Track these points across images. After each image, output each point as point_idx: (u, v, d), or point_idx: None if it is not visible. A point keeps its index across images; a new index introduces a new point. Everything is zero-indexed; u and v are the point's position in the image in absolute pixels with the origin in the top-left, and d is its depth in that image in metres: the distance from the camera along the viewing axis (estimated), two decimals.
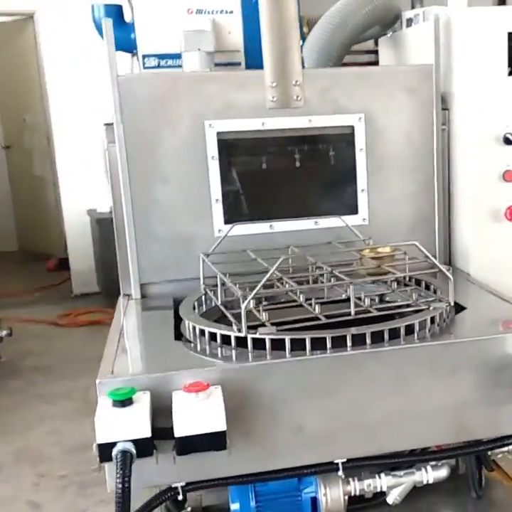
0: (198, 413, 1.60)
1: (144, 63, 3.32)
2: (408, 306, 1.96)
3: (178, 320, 2.11)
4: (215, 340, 1.89)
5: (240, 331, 1.81)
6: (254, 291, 1.81)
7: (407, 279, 2.16)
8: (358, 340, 1.79)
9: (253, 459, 1.73)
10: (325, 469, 1.82)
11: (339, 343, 1.79)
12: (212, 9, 3.28)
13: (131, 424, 1.58)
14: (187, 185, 2.36)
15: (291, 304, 2.03)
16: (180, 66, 3.33)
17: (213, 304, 2.19)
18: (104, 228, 6.37)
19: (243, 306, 1.80)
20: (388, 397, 1.77)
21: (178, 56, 3.33)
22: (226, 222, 2.37)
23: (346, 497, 2.73)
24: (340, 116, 2.37)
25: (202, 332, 1.92)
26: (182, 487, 1.79)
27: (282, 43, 2.23)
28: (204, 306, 2.17)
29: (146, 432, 1.58)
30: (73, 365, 5.44)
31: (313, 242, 2.37)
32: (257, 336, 1.79)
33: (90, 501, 3.65)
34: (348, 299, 2.03)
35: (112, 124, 2.28)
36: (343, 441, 1.78)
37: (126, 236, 2.31)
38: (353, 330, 1.78)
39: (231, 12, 3.29)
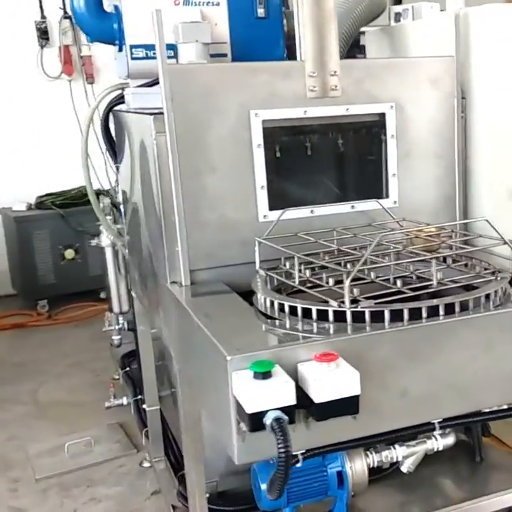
0: (334, 380, 1.76)
1: (131, 54, 3.39)
2: (475, 278, 2.21)
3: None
4: (307, 317, 2.06)
5: (340, 305, 1.99)
6: (356, 268, 2.01)
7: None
8: (448, 310, 2.02)
9: (364, 424, 1.91)
10: (424, 430, 2.03)
11: (430, 312, 2.01)
12: (198, 1, 3.40)
13: (278, 393, 1.72)
14: (233, 173, 2.49)
15: (362, 281, 2.22)
16: (169, 57, 3.43)
17: (270, 286, 2.35)
18: (21, 227, 6.29)
19: (347, 282, 1.98)
20: (477, 359, 2.01)
21: (167, 47, 3.43)
22: (270, 208, 2.53)
23: (367, 469, 2.98)
24: (373, 105, 2.59)
25: (292, 310, 2.08)
26: (302, 454, 1.95)
27: (321, 35, 2.42)
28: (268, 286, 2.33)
29: (291, 400, 1.73)
30: (9, 370, 5.40)
31: (350, 224, 2.58)
32: (359, 309, 1.98)
33: (78, 502, 3.69)
34: (408, 276, 2.26)
35: (160, 114, 2.38)
36: (440, 402, 2.00)
37: (176, 224, 2.41)
38: (446, 300, 2.01)
39: (218, 4, 3.43)
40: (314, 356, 1.81)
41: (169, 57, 3.32)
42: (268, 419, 1.71)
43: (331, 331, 1.99)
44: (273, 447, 1.77)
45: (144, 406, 3.58)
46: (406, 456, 3.08)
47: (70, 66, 6.66)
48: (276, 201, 2.54)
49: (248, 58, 3.34)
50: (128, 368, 4.63)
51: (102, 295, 6.57)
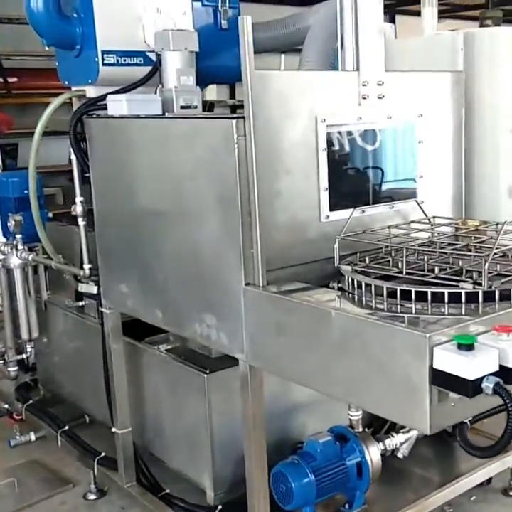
0: None
1: (103, 60, 3.51)
2: None
3: None
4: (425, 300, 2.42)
5: (475, 287, 2.39)
6: (493, 252, 2.43)
7: None
8: None
9: None
10: None
11: None
12: (167, 9, 3.62)
13: (488, 361, 2.09)
14: (300, 176, 2.79)
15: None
16: (138, 64, 3.61)
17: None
18: None
19: (485, 266, 2.39)
20: None
21: (137, 54, 3.62)
22: (331, 209, 2.86)
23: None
24: (405, 113, 3.03)
25: (420, 295, 2.44)
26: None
27: (372, 47, 2.84)
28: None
29: (495, 367, 2.11)
30: None
31: (390, 223, 2.99)
32: (493, 288, 2.40)
33: None
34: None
35: (242, 117, 2.61)
36: None
37: (256, 225, 2.62)
38: None
39: (184, 13, 3.67)
40: (495, 328, 2.19)
41: (137, 65, 3.51)
42: (489, 384, 2.06)
43: (463, 311, 2.37)
44: (460, 411, 2.12)
45: (114, 429, 3.63)
46: (402, 442, 3.52)
47: None
48: (334, 202, 2.87)
49: (211, 68, 3.64)
50: (31, 401, 4.54)
51: None
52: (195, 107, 3.45)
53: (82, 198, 3.64)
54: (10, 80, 7.82)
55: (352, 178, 2.95)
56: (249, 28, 2.54)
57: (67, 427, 4.18)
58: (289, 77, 2.79)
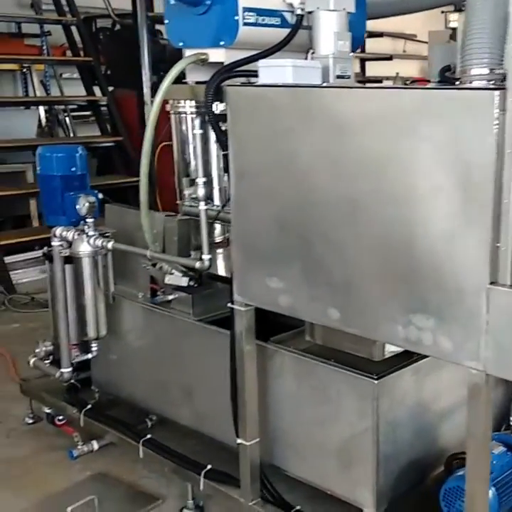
0: None
1: (244, 18, 3.03)
2: None
3: None
4: None
5: None
6: None
7: None
8: None
9: None
10: None
11: None
12: None
13: None
14: None
15: None
16: (275, 25, 3.16)
17: None
18: None
19: None
20: None
21: (275, 13, 3.17)
22: None
23: None
24: None
25: None
26: None
27: None
28: None
29: None
30: None
31: None
32: None
33: None
34: None
35: (503, 88, 2.21)
36: None
37: (508, 215, 2.26)
38: None
39: None
40: None
41: (274, 26, 3.06)
42: None
43: None
44: None
45: (240, 441, 3.16)
46: None
47: None
48: None
49: None
50: (90, 406, 3.98)
51: None
52: (349, 78, 3.01)
53: (205, 179, 3.12)
54: None
55: None
56: None
57: (149, 436, 3.65)
58: None
